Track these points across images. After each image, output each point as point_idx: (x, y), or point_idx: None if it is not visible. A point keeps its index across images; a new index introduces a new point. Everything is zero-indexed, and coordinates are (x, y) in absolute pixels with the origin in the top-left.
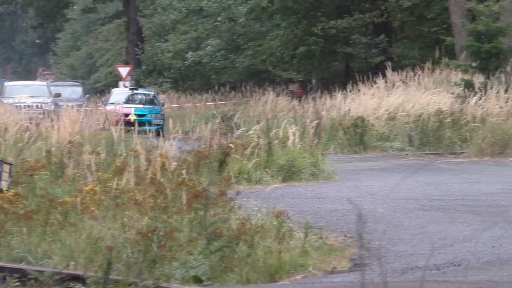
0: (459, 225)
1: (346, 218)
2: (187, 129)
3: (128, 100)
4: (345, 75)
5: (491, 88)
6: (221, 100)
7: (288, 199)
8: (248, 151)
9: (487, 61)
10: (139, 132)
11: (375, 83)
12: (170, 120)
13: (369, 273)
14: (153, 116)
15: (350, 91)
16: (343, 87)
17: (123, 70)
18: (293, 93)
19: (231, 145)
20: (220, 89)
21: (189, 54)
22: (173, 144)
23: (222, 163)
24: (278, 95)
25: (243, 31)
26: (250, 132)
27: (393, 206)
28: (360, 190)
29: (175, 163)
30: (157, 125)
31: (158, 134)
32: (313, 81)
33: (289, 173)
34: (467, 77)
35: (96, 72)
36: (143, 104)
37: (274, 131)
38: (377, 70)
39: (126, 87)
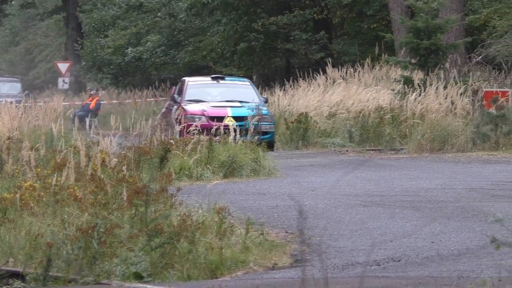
0: (399, 221)
1: (287, 214)
2: (127, 126)
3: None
4: (285, 71)
5: (430, 84)
6: (161, 96)
7: (229, 195)
8: (189, 147)
9: (426, 57)
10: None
11: (316, 79)
12: (112, 117)
13: (310, 269)
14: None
15: (291, 87)
16: (284, 83)
17: (62, 66)
18: None
19: (171, 141)
20: (161, 85)
21: (129, 49)
22: (113, 140)
23: (163, 159)
24: None
25: (184, 27)
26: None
27: (334, 202)
28: (301, 186)
29: (116, 160)
30: (267, 133)
31: (270, 147)
32: (254, 77)
33: (230, 169)
34: (406, 73)
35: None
36: (240, 101)
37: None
38: (318, 67)
39: (66, 83)
